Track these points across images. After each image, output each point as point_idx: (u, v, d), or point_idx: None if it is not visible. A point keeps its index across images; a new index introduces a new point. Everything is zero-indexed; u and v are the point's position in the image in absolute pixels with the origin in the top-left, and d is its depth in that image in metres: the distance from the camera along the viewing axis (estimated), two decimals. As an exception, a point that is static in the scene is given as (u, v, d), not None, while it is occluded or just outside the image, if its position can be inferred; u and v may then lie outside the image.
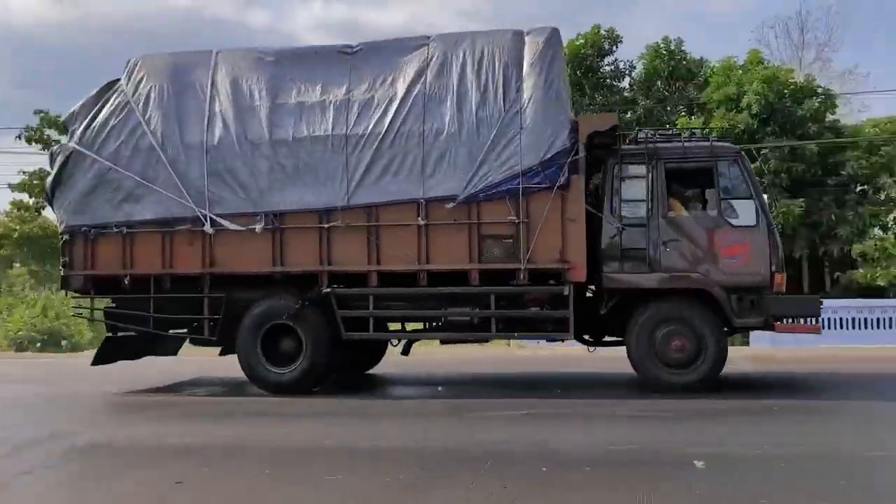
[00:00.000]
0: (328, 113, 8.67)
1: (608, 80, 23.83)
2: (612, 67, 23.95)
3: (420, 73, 8.61)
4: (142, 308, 9.16)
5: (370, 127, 8.50)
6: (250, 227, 8.68)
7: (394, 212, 8.49)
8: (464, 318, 8.70)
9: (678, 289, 8.26)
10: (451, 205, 8.32)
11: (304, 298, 8.62)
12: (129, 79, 9.29)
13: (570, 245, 8.17)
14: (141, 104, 9.05)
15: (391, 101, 8.55)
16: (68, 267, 9.20)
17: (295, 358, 8.71)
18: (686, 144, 8.64)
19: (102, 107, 9.20)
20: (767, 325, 8.24)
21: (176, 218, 8.87)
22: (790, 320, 8.52)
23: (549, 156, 8.15)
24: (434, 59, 8.67)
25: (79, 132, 9.17)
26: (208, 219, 8.72)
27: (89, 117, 9.20)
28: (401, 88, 8.59)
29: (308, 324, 8.64)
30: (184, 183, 8.79)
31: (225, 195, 8.75)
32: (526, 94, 8.30)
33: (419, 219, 8.37)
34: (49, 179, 9.43)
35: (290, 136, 8.68)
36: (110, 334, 9.80)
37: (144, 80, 9.19)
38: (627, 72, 24.08)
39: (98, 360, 9.66)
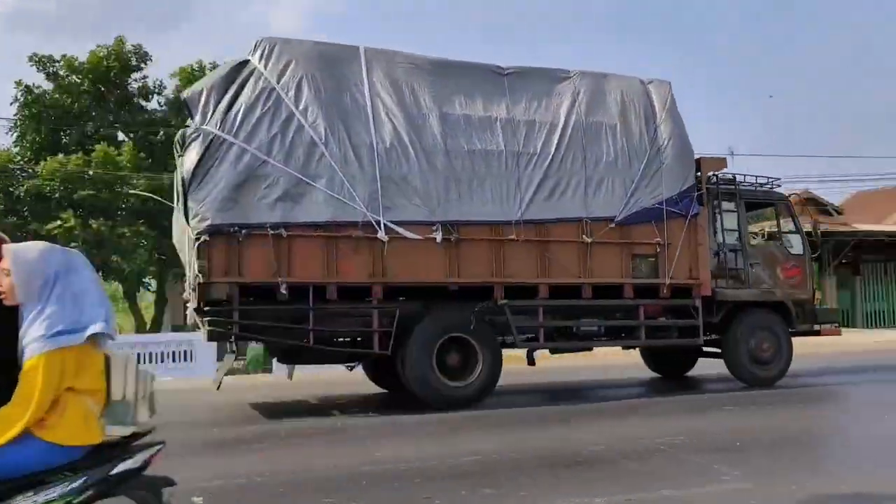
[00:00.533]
0: (496, 129, 8.97)
1: (136, 98, 23.83)
2: (141, 85, 23.76)
3: (573, 104, 9.42)
4: (299, 321, 8.13)
5: (539, 147, 9.06)
6: (429, 236, 8.42)
7: (561, 229, 9.08)
8: (617, 326, 9.56)
9: (763, 301, 10.25)
10: (611, 225, 9.22)
11: (481, 310, 8.63)
12: (268, 62, 8.32)
13: (699, 265, 9.67)
14: (292, 93, 8.23)
15: (553, 125, 9.23)
16: (208, 273, 7.72)
17: (466, 371, 8.60)
18: (757, 189, 10.81)
19: (239, 90, 8.10)
20: (813, 331, 10.68)
21: (343, 222, 8.17)
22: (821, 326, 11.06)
23: (683, 188, 9.66)
24: (582, 92, 9.55)
25: (216, 116, 7.92)
26: (382, 225, 8.23)
27: (225, 100, 8.02)
28: (559, 115, 9.29)
29: (483, 336, 8.67)
30: (353, 185, 8.18)
31: (399, 202, 8.40)
32: (664, 136, 9.71)
33: (584, 236, 9.08)
34: (187, 167, 7.76)
35: (465, 147, 8.75)
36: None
37: (292, 66, 8.36)
38: (157, 91, 23.97)
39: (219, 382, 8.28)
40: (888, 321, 25.86)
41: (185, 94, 8.58)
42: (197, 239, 7.72)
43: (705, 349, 10.61)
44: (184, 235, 8.52)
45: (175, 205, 8.94)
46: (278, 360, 10.91)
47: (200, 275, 7.70)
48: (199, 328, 9.53)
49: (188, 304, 8.71)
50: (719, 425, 7.40)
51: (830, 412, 8.90)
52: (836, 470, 5.56)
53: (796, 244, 10.73)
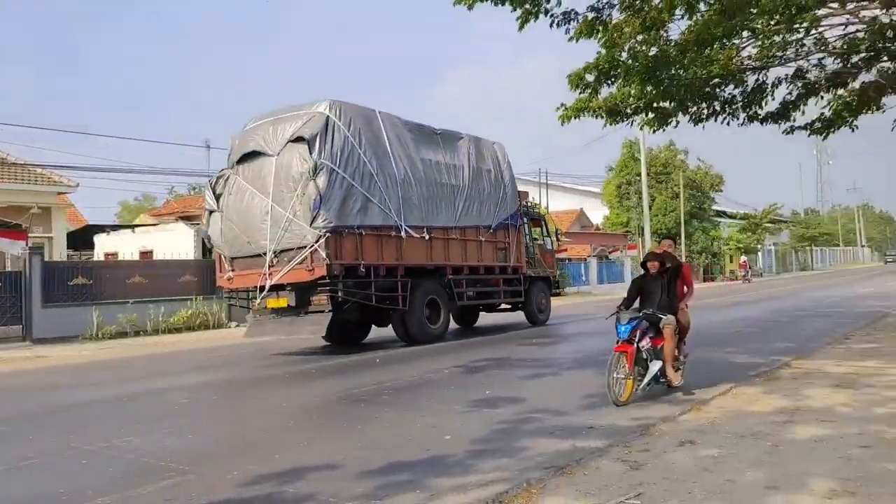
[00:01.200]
0: (442, 169, 15.30)
1: None
2: None
3: (468, 155, 16.17)
4: (367, 288, 13.43)
5: (460, 182, 15.64)
6: (421, 235, 14.37)
7: (470, 232, 15.81)
8: (496, 291, 16.74)
9: (540, 276, 18.27)
10: (490, 231, 16.22)
11: (440, 282, 14.88)
12: (339, 118, 12.90)
13: (521, 256, 17.23)
14: (356, 140, 13.13)
15: (463, 168, 15.87)
16: (333, 258, 12.36)
17: (435, 320, 14.86)
18: (532, 209, 18.90)
19: (333, 135, 12.67)
20: (557, 293, 19.29)
21: (384, 226, 13.66)
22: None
23: (515, 210, 17.17)
24: (472, 147, 16.36)
25: (325, 153, 12.43)
26: (403, 229, 13.94)
27: (328, 143, 12.56)
28: (464, 162, 15.97)
29: (445, 298, 14.99)
30: (389, 203, 13.71)
31: (408, 214, 14.17)
32: (507, 177, 17.07)
33: (479, 237, 15.94)
34: (320, 187, 12.25)
35: (435, 181, 14.95)
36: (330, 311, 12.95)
37: (352, 123, 13.14)
38: None
39: (328, 336, 13.95)
40: None
41: (307, 134, 12.50)
42: (322, 235, 12.26)
43: (502, 306, 18.27)
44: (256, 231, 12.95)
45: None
46: (325, 338, 14.66)
47: (327, 258, 12.26)
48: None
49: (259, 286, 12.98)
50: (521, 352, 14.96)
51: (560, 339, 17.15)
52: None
53: (549, 243, 19.17)
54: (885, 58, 13.81)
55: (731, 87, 13.46)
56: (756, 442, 5.67)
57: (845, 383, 8.11)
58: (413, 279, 14.18)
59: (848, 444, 5.47)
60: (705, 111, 13.69)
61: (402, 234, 13.85)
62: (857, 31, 12.48)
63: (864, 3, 11.62)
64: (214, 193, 13.85)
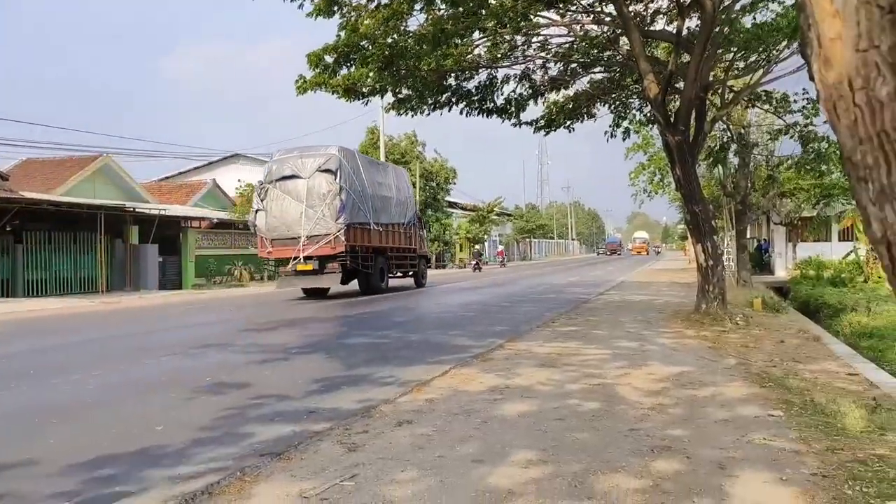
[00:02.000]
0: (383, 186, 23.74)
1: None
2: None
3: (393, 177, 25.45)
4: (369, 260, 22.45)
5: (392, 195, 24.46)
6: (378, 228, 22.93)
7: (398, 227, 25.06)
8: (409, 263, 27.05)
9: (425, 255, 29.86)
10: (405, 226, 25.93)
11: (386, 257, 24.06)
12: (343, 157, 21.01)
13: (419, 242, 27.77)
14: (352, 171, 21.35)
15: (391, 186, 24.60)
16: (347, 241, 20.48)
17: (383, 280, 24.08)
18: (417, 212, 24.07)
19: (343, 168, 20.74)
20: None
21: (366, 223, 22.03)
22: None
23: (414, 212, 27.45)
24: (393, 172, 26.22)
25: (343, 179, 20.52)
26: (372, 225, 22.45)
27: (343, 173, 20.64)
28: (392, 182, 24.94)
29: (386, 266, 24.30)
30: (367, 209, 22.05)
31: (373, 215, 22.40)
32: (410, 192, 27.72)
33: (401, 230, 25.48)
34: (343, 200, 20.47)
35: (379, 194, 23.22)
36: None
37: (349, 160, 21.45)
38: None
39: (344, 282, 22.18)
40: (50, 290, 25.14)
41: (332, 167, 20.51)
42: (342, 228, 20.42)
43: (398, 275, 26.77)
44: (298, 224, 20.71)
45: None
46: (342, 283, 21.95)
47: (345, 241, 20.29)
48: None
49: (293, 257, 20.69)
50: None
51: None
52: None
53: (425, 235, 29.62)
54: (598, 68, 15.49)
55: (466, 81, 14.27)
56: (468, 419, 6.00)
57: (548, 363, 8.93)
58: (373, 255, 22.65)
59: (546, 418, 6.00)
60: (443, 101, 14.38)
61: (372, 227, 22.38)
62: (574, 41, 13.81)
63: (579, 17, 12.88)
64: (260, 199, 21.28)
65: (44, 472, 4.87)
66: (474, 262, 48.32)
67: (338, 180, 20.31)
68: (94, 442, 5.58)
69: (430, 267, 31.82)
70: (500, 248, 61.06)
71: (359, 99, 12.29)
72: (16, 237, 24.23)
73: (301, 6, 10.06)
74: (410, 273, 27.03)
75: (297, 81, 11.66)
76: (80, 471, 4.84)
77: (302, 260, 20.52)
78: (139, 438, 5.65)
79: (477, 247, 54.56)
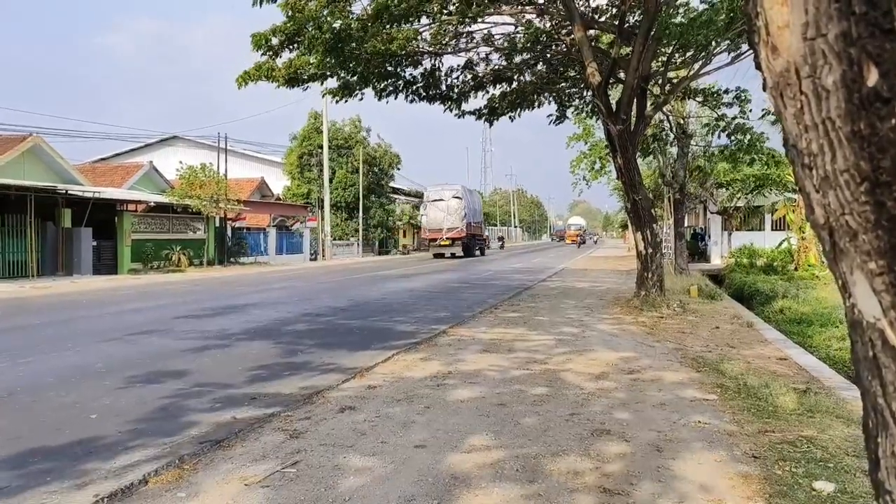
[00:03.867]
0: (468, 202, 45.03)
1: None
2: None
3: (476, 197, 51.03)
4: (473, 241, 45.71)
5: (478, 208, 48.73)
6: (474, 224, 46.16)
7: (475, 226, 46.86)
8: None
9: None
10: (480, 223, 48.92)
11: (478, 240, 48.42)
12: (463, 191, 44.60)
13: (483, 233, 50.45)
14: (468, 195, 45.82)
15: (476, 202, 49.67)
16: (466, 231, 43.58)
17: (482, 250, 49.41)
18: None
19: (465, 197, 44.33)
20: None
21: (471, 222, 45.31)
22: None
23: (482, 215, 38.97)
24: (478, 195, 51.80)
25: (465, 201, 43.69)
26: (472, 223, 45.13)
27: (465, 199, 43.74)
28: (477, 200, 51.51)
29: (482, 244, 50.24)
30: (470, 216, 44.72)
31: (471, 220, 45.32)
32: (480, 204, 49.88)
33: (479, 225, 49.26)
34: (466, 213, 43.02)
35: (475, 208, 47.72)
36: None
37: (466, 191, 46.01)
38: None
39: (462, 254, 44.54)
40: None
41: (459, 195, 44.32)
42: (466, 225, 43.86)
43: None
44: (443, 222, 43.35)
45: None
46: (434, 255, 44.18)
47: (465, 231, 43.37)
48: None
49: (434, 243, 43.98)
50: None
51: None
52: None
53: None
54: (541, 63, 15.60)
55: (410, 67, 14.19)
56: (410, 405, 6.01)
57: (492, 349, 9.00)
58: (473, 238, 44.83)
59: (490, 404, 6.05)
60: (389, 87, 14.26)
61: (472, 224, 44.02)
62: (517, 32, 13.86)
63: (523, 8, 12.92)
64: (424, 210, 44.59)
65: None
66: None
67: (463, 203, 42.83)
68: (24, 433, 5.39)
69: (487, 247, 54.53)
70: None
71: (300, 85, 12.10)
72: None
73: (244, -13, 9.86)
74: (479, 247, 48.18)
75: (237, 79, 11.43)
76: (11, 464, 4.67)
77: (444, 240, 42.61)
78: (71, 429, 5.48)
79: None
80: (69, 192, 26.51)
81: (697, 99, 18.65)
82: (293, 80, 11.73)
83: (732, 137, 16.56)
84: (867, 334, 0.86)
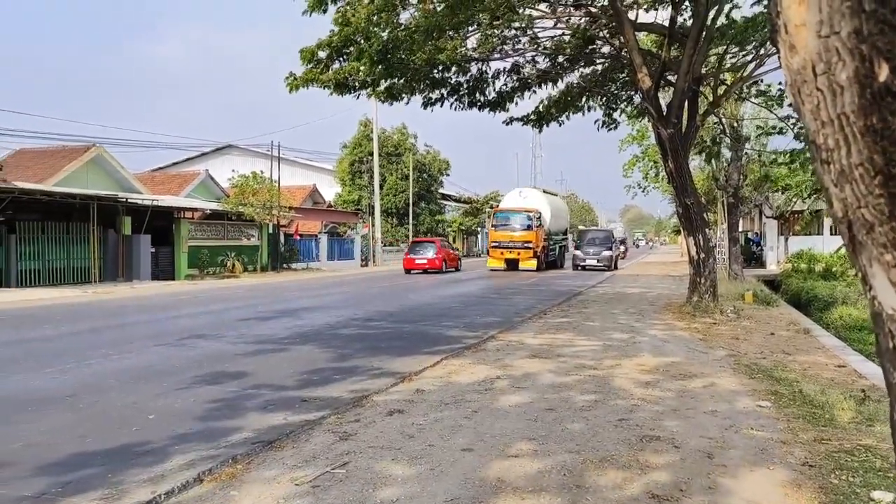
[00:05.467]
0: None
1: None
2: None
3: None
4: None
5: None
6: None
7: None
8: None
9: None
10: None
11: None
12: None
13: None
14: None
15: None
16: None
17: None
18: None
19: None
20: None
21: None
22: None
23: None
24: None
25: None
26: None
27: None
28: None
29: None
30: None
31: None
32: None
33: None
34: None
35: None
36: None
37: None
38: None
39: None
40: (43, 280, 24.61)
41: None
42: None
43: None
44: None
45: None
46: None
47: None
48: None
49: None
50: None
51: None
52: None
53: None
54: (587, 64, 15.52)
55: (457, 74, 14.26)
56: (458, 409, 6.04)
57: (541, 354, 8.98)
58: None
59: (537, 409, 6.04)
60: (434, 95, 14.36)
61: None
62: (564, 34, 13.82)
63: (570, 11, 12.89)
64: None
65: (12, 473, 4.89)
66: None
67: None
68: (88, 431, 5.60)
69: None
70: None
71: (350, 92, 12.27)
72: (9, 227, 23.78)
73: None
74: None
75: (286, 79, 11.61)
76: (75, 462, 4.85)
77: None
78: (130, 428, 5.67)
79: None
80: (129, 200, 27.33)
81: (753, 100, 18.27)
82: (342, 85, 11.92)
83: (801, 138, 16.16)
84: (887, 325, 0.87)
